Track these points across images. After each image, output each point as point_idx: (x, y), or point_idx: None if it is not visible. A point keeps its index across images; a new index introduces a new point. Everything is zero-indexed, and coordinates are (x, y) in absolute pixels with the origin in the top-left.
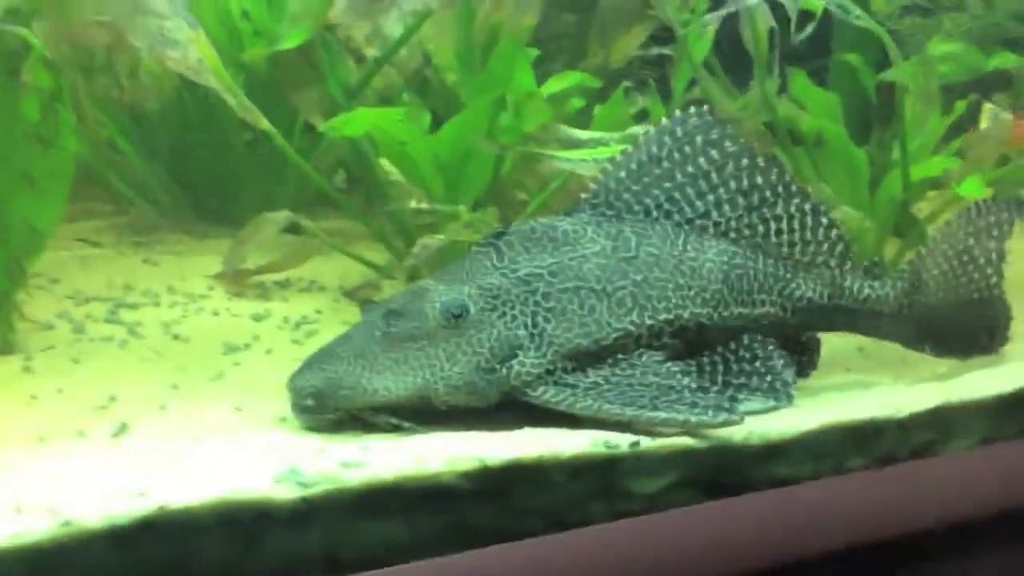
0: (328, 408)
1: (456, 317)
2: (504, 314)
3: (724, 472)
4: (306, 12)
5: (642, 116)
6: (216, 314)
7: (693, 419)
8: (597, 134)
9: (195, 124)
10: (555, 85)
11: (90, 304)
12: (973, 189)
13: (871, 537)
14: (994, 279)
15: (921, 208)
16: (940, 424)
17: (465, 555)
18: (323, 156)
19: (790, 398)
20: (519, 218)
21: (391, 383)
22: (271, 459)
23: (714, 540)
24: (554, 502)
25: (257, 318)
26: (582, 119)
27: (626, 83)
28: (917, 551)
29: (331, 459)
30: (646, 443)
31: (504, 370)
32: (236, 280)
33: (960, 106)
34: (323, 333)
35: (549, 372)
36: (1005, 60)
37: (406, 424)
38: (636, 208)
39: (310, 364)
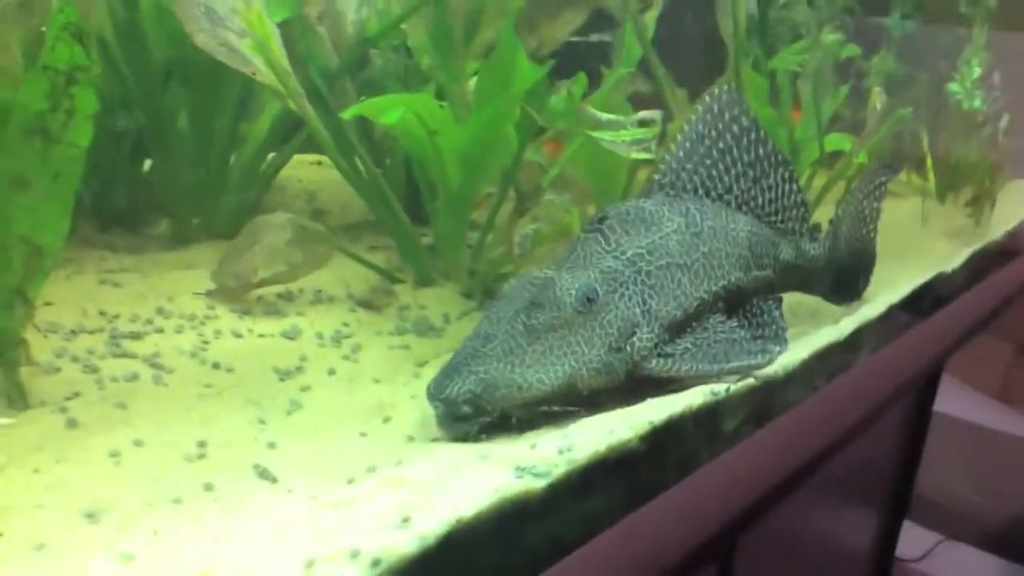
0: (486, 411)
1: (591, 302)
2: (623, 295)
3: (766, 403)
4: None
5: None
6: (239, 336)
7: (754, 363)
8: (613, 116)
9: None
10: None
11: (80, 337)
12: (864, 158)
13: None
14: (873, 233)
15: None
16: (858, 341)
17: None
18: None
19: (787, 342)
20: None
21: (543, 375)
22: (490, 466)
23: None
24: (683, 450)
25: (288, 337)
26: None
27: (623, 70)
28: None
29: (548, 450)
30: (732, 388)
31: (628, 348)
32: (236, 296)
33: (843, 91)
34: (368, 348)
35: (657, 345)
36: (852, 51)
37: (558, 408)
38: (688, 186)
39: (456, 370)
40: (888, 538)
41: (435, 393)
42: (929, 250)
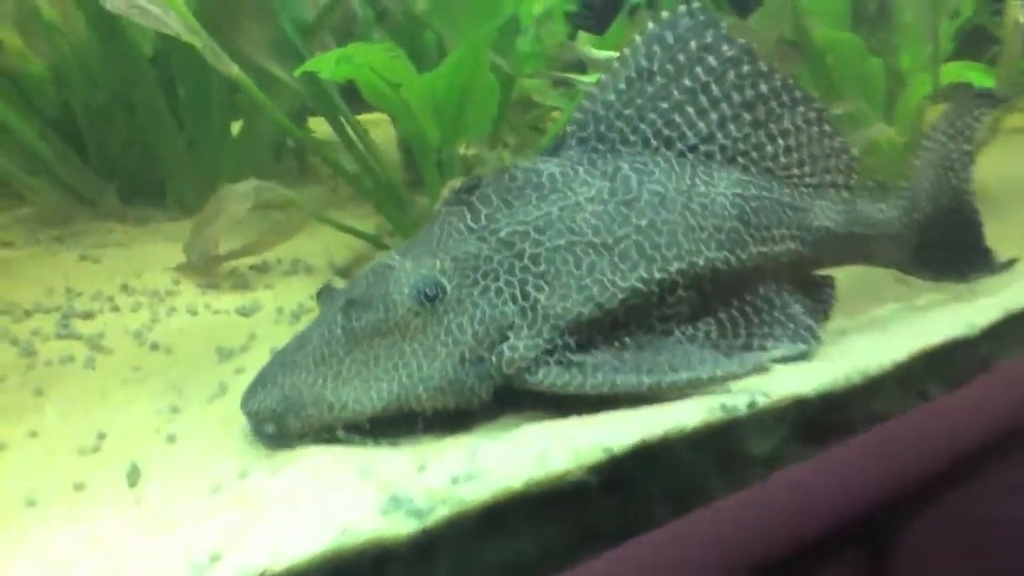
0: (293, 432)
1: (430, 300)
2: (487, 288)
3: (830, 417)
4: None
5: None
6: (194, 313)
7: (720, 372)
8: (615, 53)
9: (104, 84)
10: (536, 7)
11: (32, 318)
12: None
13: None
14: (967, 184)
15: None
16: (1004, 337)
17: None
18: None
19: (817, 339)
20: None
21: (362, 393)
22: (363, 488)
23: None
24: (678, 481)
25: (245, 312)
26: None
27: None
28: None
29: (438, 476)
30: (762, 401)
31: (494, 358)
32: (204, 269)
33: (967, 6)
34: None
35: (549, 352)
36: None
37: (377, 441)
38: (632, 138)
39: (263, 378)
40: None
41: (242, 404)
42: None
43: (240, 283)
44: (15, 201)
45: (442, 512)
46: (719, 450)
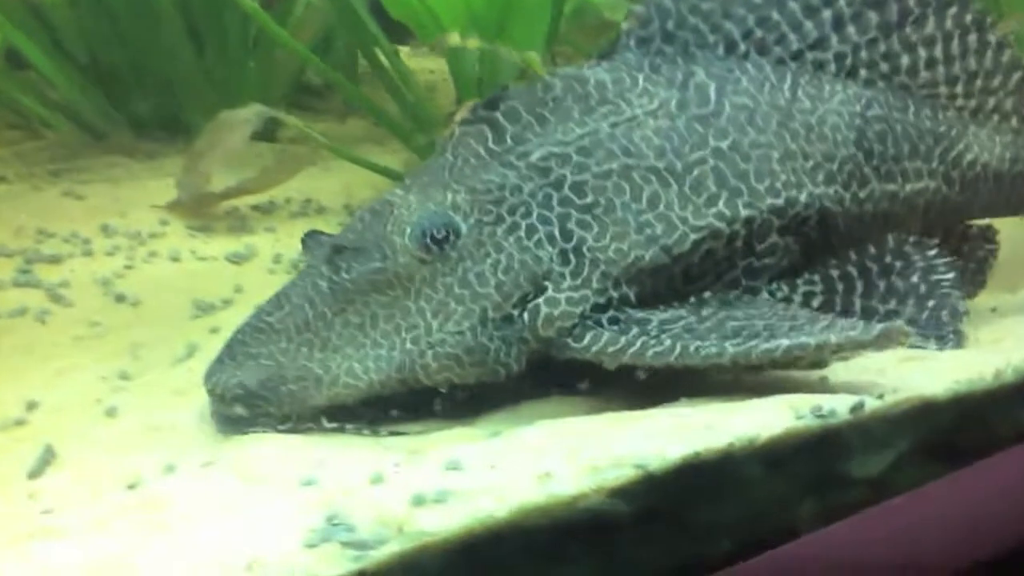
0: (268, 416)
1: (439, 243)
2: (515, 227)
3: (965, 428)
4: None
5: None
6: (176, 259)
7: (835, 339)
8: None
9: (120, 12)
10: None
11: None
12: None
13: None
14: None
15: None
16: None
17: None
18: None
19: (960, 337)
20: None
21: (357, 363)
22: (299, 501)
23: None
24: (742, 515)
25: (236, 259)
26: None
27: None
28: None
29: (397, 491)
30: (871, 404)
31: (526, 316)
32: (198, 208)
33: None
34: None
35: (600, 307)
36: None
37: (382, 431)
38: (711, 39)
39: (232, 348)
40: None
41: (205, 379)
42: None
43: (237, 225)
44: (28, 135)
45: (391, 548)
46: (806, 472)
